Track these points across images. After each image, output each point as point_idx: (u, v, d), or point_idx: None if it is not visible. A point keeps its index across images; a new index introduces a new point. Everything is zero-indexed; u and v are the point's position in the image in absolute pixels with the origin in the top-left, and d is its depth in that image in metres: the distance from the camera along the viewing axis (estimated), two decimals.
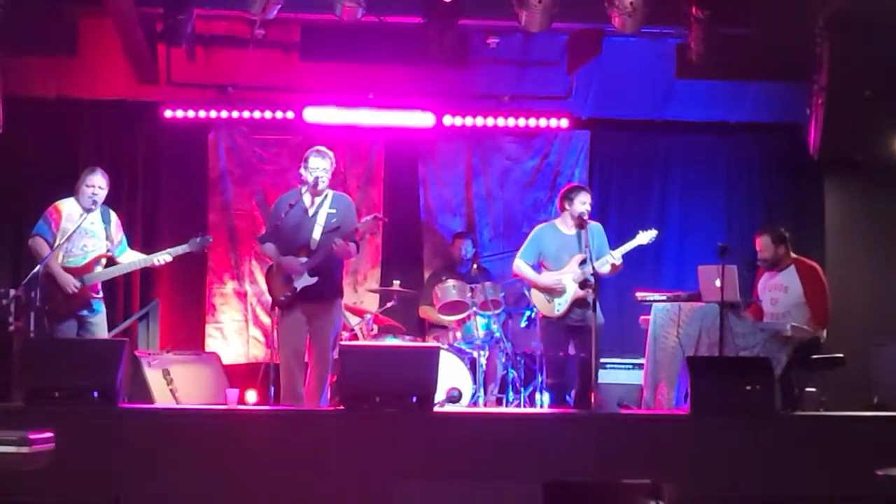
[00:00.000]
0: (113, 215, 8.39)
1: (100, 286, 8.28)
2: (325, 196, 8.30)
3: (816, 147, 9.81)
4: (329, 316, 8.24)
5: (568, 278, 8.55)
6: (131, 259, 8.38)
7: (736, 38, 9.48)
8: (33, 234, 8.19)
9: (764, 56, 9.83)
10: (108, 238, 8.27)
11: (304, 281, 8.13)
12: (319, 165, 8.21)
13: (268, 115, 10.74)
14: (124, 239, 8.44)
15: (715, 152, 11.28)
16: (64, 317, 8.09)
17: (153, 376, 8.86)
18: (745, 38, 9.53)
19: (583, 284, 8.50)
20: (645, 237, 8.65)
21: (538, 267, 8.75)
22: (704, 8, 9.01)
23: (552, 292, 8.60)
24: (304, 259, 8.15)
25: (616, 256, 8.56)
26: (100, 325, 8.24)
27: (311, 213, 8.25)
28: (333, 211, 8.28)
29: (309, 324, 8.19)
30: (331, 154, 8.36)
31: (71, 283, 8.02)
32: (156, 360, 8.96)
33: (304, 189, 8.27)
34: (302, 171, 8.29)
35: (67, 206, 8.21)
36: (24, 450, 5.69)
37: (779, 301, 8.82)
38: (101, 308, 8.30)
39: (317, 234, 8.20)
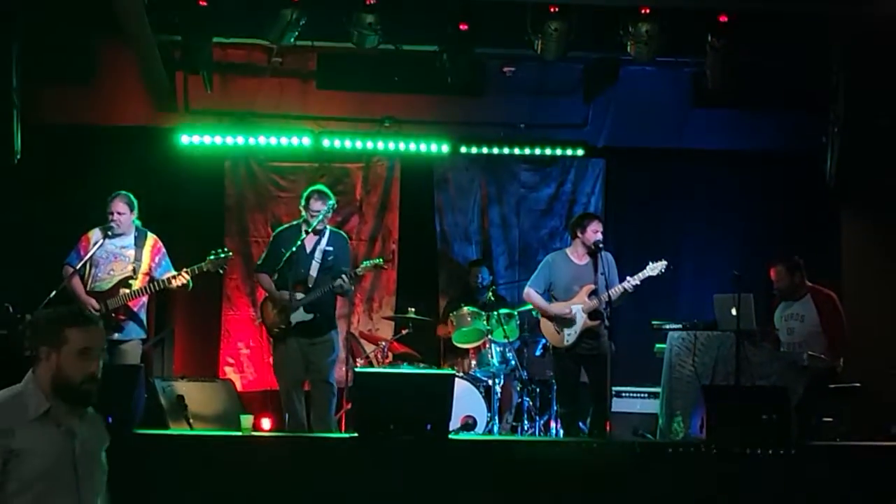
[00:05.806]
0: (150, 239, 8.40)
1: (137, 311, 8.26)
2: (323, 234, 8.46)
3: (833, 176, 9.81)
4: (324, 347, 8.39)
5: (577, 308, 8.52)
6: (160, 278, 8.28)
7: (752, 67, 9.51)
8: (65, 262, 8.27)
9: (780, 85, 9.85)
10: (137, 260, 8.26)
11: (299, 316, 8.28)
12: (319, 210, 8.35)
13: (284, 142, 10.76)
14: (165, 262, 8.39)
15: (731, 181, 11.25)
16: None
17: (168, 402, 8.85)
18: (761, 67, 9.55)
19: (592, 315, 8.48)
20: (654, 269, 8.57)
21: (547, 296, 8.73)
22: (720, 37, 9.04)
23: (562, 322, 8.57)
24: (300, 295, 8.28)
25: (630, 284, 8.49)
26: (130, 353, 8.21)
27: (308, 250, 8.41)
28: (330, 248, 8.45)
29: (304, 354, 8.33)
30: (332, 195, 8.51)
31: (90, 306, 8.04)
32: (171, 387, 8.95)
33: (303, 226, 8.39)
34: (302, 210, 8.41)
35: (95, 234, 8.29)
36: None
37: (795, 330, 8.78)
38: (135, 334, 8.28)
39: (314, 271, 8.36)
